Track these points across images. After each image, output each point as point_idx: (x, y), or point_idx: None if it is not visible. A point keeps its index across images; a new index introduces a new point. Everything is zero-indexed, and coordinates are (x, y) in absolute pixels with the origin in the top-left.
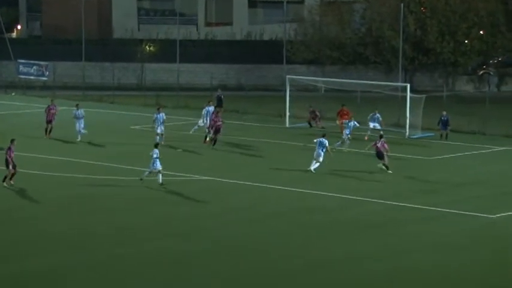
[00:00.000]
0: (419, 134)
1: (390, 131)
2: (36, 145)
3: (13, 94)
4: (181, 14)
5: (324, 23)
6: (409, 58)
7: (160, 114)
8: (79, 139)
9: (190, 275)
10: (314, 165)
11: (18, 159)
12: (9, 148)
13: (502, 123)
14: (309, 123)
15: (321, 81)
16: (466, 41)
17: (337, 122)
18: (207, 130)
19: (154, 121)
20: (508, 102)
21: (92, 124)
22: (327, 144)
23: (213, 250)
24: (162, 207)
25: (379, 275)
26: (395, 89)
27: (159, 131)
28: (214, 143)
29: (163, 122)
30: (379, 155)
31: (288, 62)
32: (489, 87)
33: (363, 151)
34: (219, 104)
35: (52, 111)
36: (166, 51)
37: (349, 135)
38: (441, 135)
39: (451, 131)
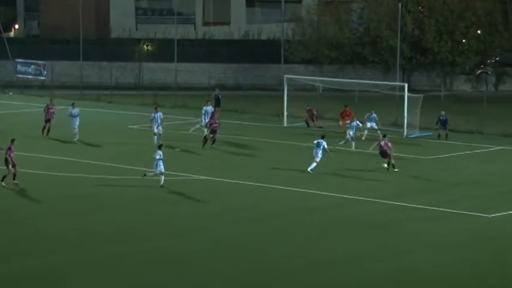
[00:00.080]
0: (417, 133)
1: (388, 130)
2: (34, 145)
3: (11, 94)
4: (179, 14)
5: (321, 23)
6: (407, 57)
7: (158, 114)
8: (77, 138)
9: (190, 275)
10: (311, 166)
11: (17, 158)
12: (10, 148)
13: (499, 122)
14: (307, 123)
15: (318, 80)
16: (463, 41)
17: (340, 122)
18: (204, 130)
19: (151, 120)
20: (506, 102)
21: (89, 123)
22: (326, 146)
23: (213, 250)
24: (162, 207)
25: (380, 275)
26: (393, 88)
27: (156, 130)
28: (213, 142)
29: (161, 122)
30: (383, 154)
31: (286, 61)
32: (487, 86)
33: (366, 151)
34: (217, 103)
35: (51, 110)
36: (164, 51)
37: (352, 136)
38: (439, 135)
39: (449, 130)
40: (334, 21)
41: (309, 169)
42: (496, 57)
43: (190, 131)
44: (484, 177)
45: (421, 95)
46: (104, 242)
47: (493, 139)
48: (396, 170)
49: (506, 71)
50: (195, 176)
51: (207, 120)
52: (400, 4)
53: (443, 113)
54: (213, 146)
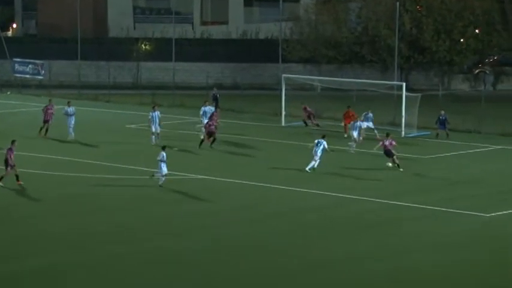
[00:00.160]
0: (415, 132)
1: (386, 129)
2: (32, 144)
3: (9, 93)
4: (177, 13)
5: (319, 22)
6: (404, 57)
7: (156, 113)
8: (69, 138)
9: (191, 275)
10: (309, 165)
11: (16, 158)
12: (10, 149)
13: (497, 122)
14: (305, 122)
15: (317, 80)
16: (461, 40)
17: (342, 123)
18: (202, 129)
19: (149, 120)
20: (504, 101)
21: (87, 123)
22: (326, 145)
23: (213, 249)
24: (161, 207)
25: (380, 275)
26: (391, 87)
27: (154, 129)
28: (212, 142)
29: (159, 121)
30: (388, 153)
31: (284, 60)
32: (485, 86)
33: (364, 151)
34: (214, 103)
35: (50, 111)
36: (162, 50)
37: (356, 137)
38: (437, 134)
39: (448, 129)
40: (332, 21)
41: (307, 168)
42: (494, 56)
43: (197, 133)
44: (482, 176)
45: (419, 94)
46: (103, 242)
47: (491, 138)
48: (401, 169)
49: (504, 70)
50: (194, 176)
51: (206, 121)
52: (398, 3)
53: (442, 112)
54: (212, 146)
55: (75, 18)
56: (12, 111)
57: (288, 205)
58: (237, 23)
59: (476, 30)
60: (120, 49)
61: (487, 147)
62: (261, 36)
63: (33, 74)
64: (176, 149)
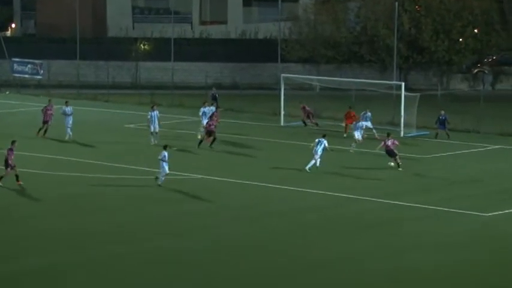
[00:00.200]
0: (413, 132)
1: (385, 129)
2: (31, 144)
3: (7, 93)
4: (176, 13)
5: (318, 22)
6: (403, 57)
7: (155, 112)
8: (67, 138)
9: (191, 274)
10: (309, 164)
11: (16, 158)
12: (11, 149)
13: (496, 121)
14: (304, 122)
15: (315, 79)
16: (460, 40)
17: (343, 123)
18: (201, 129)
19: (148, 119)
20: (503, 101)
21: (86, 123)
22: (326, 144)
23: (213, 249)
24: (160, 206)
25: (380, 275)
26: (390, 87)
27: (152, 129)
28: (212, 142)
29: (158, 120)
30: (390, 153)
31: (283, 60)
32: (483, 85)
33: (370, 151)
34: (214, 103)
35: (49, 112)
36: (161, 50)
37: (358, 137)
38: (436, 134)
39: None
40: (331, 20)
41: (306, 167)
42: (493, 56)
43: (199, 137)
44: (481, 176)
45: (418, 94)
46: (103, 242)
47: (490, 138)
48: (400, 169)
49: (503, 70)
50: (193, 176)
51: (205, 121)
52: (396, 3)
53: (442, 112)
54: (212, 146)
55: (74, 18)
56: (11, 111)
57: (287, 205)
58: (236, 23)
59: (475, 30)
60: (119, 49)
61: (485, 147)
62: (260, 36)
63: (32, 73)
64: (175, 148)
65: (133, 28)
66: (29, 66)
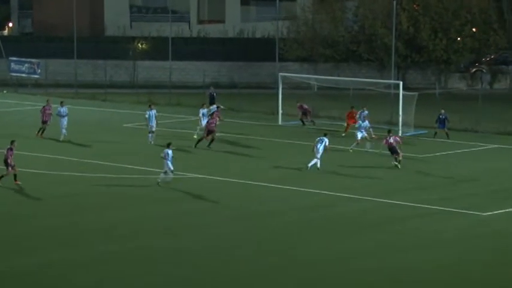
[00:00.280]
0: (411, 131)
1: (383, 128)
2: (28, 144)
3: (5, 92)
4: (174, 12)
5: (316, 21)
6: (401, 56)
7: (153, 111)
8: (62, 138)
9: (190, 274)
10: (311, 162)
11: (14, 158)
12: (11, 149)
13: (494, 121)
14: (302, 121)
15: (313, 78)
16: (458, 39)
17: (345, 123)
18: (198, 129)
19: (147, 119)
20: (501, 100)
21: (84, 122)
22: (327, 143)
23: (213, 249)
24: (160, 206)
25: (380, 274)
26: (388, 86)
27: (150, 128)
28: (210, 143)
29: (155, 119)
30: (393, 150)
31: (281, 59)
32: (482, 84)
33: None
34: (211, 101)
35: (48, 111)
36: (159, 49)
37: (361, 137)
38: (435, 133)
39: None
40: (329, 19)
41: (308, 165)
42: (491, 55)
43: (195, 136)
44: (479, 175)
45: (416, 93)
46: (102, 241)
47: (488, 137)
48: (399, 166)
49: (501, 69)
50: (191, 175)
51: (204, 122)
52: (395, 2)
53: (443, 111)
54: (210, 146)
55: (71, 17)
56: (8, 110)
57: (287, 204)
58: (234, 22)
59: (473, 29)
60: (117, 48)
61: (483, 146)
62: (258, 35)
63: (29, 73)
64: (174, 148)
65: (131, 27)
66: (26, 65)
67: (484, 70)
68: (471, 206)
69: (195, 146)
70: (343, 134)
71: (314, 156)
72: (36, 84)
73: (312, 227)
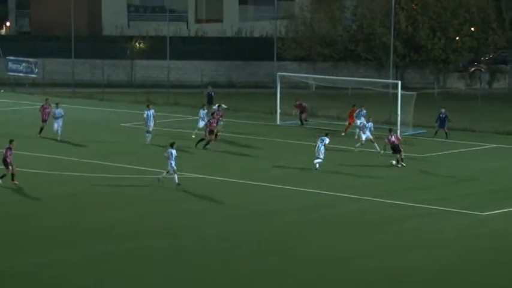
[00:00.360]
0: (410, 131)
1: (381, 128)
2: (26, 143)
3: (2, 91)
4: (171, 11)
5: (315, 20)
6: (400, 55)
7: (151, 111)
8: (59, 138)
9: (189, 274)
10: (316, 161)
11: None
12: (10, 148)
13: (493, 120)
14: (300, 121)
15: (312, 78)
16: (457, 38)
17: (346, 122)
18: (196, 130)
19: (145, 118)
20: (499, 100)
21: (82, 121)
22: (327, 142)
23: (211, 249)
24: (159, 206)
25: (380, 274)
26: (387, 86)
27: (147, 128)
28: (206, 144)
29: (153, 119)
30: (396, 149)
31: (279, 59)
32: (480, 84)
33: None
34: (209, 101)
35: (47, 110)
36: (156, 48)
37: (365, 138)
38: (436, 132)
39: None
40: (327, 19)
41: (316, 166)
42: (490, 54)
43: (193, 136)
44: (478, 175)
45: (415, 93)
46: (101, 241)
47: (487, 137)
48: (398, 165)
49: (499, 68)
50: (190, 175)
51: (202, 123)
52: (393, 1)
53: (443, 110)
54: (207, 147)
55: (69, 16)
56: (5, 109)
57: (287, 204)
58: (232, 21)
59: (472, 28)
60: (114, 47)
61: (482, 145)
62: (256, 34)
63: (26, 72)
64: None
65: (129, 26)
66: (24, 64)
67: (482, 69)
68: (471, 206)
69: (196, 146)
70: (343, 134)
71: (316, 157)
72: (34, 84)
73: (312, 227)
